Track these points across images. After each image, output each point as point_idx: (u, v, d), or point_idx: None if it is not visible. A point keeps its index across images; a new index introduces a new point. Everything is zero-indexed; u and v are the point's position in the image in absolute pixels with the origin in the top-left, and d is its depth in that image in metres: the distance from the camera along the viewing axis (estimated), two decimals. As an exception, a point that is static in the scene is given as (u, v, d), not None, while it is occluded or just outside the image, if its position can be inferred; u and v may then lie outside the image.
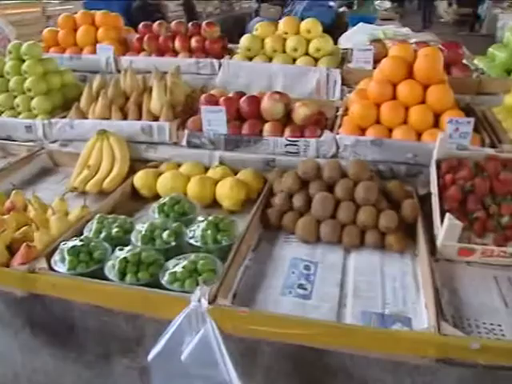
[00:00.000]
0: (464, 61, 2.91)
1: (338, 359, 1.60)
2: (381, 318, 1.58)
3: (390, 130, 2.34)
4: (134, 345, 1.87)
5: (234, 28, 8.76)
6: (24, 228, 1.93)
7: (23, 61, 2.96)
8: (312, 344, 1.52)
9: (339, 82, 2.86)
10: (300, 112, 2.43)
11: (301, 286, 1.74)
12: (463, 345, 1.38)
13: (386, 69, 2.44)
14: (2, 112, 2.93)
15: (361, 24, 5.38)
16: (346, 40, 4.60)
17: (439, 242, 1.77)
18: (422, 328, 1.48)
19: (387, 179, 2.20)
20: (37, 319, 1.99)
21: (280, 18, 6.25)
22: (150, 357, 1.58)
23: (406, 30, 5.28)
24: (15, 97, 2.93)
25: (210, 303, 1.52)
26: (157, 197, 2.26)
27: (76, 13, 3.62)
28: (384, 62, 2.48)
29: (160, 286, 1.65)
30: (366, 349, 1.48)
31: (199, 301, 1.52)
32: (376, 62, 2.86)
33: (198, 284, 1.60)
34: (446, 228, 1.74)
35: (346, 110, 2.56)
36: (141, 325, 1.79)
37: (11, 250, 1.84)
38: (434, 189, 1.94)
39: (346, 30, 5.65)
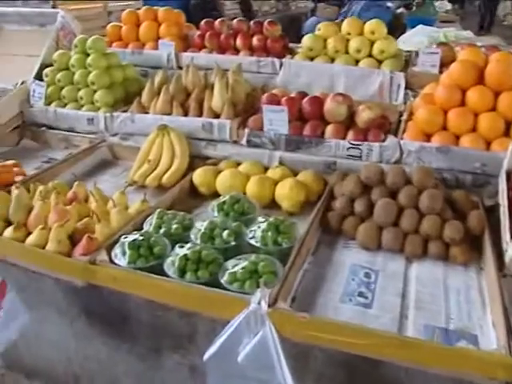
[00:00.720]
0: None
1: (394, 372, 1.55)
2: (445, 334, 1.52)
3: (457, 138, 2.25)
4: (186, 341, 1.87)
5: (290, 27, 8.71)
6: (85, 219, 1.95)
7: (88, 55, 3.00)
8: (372, 355, 1.46)
9: (403, 85, 2.77)
10: (363, 115, 2.38)
11: (361, 294, 1.70)
12: (537, 369, 1.31)
13: (455, 73, 2.36)
14: (66, 104, 2.98)
15: (420, 26, 5.24)
16: (404, 42, 4.50)
17: (508, 257, 1.68)
18: (492, 348, 1.42)
19: (451, 188, 2.12)
20: (93, 309, 2.02)
21: (336, 18, 6.23)
22: (206, 356, 1.57)
23: (466, 33, 5.11)
24: (79, 89, 2.97)
25: (269, 306, 1.48)
26: (215, 194, 2.26)
27: (139, 9, 3.66)
28: (453, 66, 2.40)
29: (218, 286, 1.63)
30: (429, 364, 1.41)
31: (259, 303, 1.49)
32: (442, 65, 2.78)
33: (258, 286, 1.58)
34: (517, 243, 1.65)
35: (411, 114, 2.48)
36: (194, 322, 1.78)
37: (72, 239, 1.86)
38: (503, 201, 1.85)
39: (404, 32, 5.55)
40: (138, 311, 1.90)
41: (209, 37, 3.32)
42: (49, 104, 2.99)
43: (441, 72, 2.69)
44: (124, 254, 1.75)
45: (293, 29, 8.53)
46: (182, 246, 1.75)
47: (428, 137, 2.30)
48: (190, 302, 1.66)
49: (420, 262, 1.88)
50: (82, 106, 2.94)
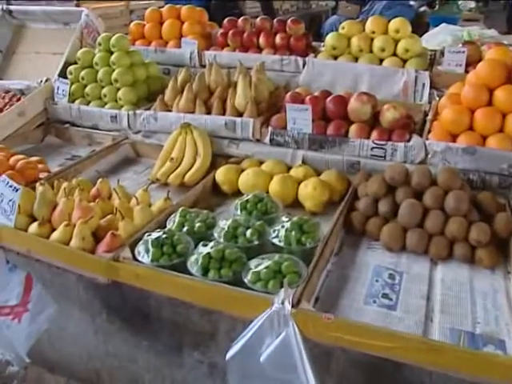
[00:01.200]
0: None
1: (417, 375, 1.53)
2: (471, 338, 1.48)
3: (484, 138, 2.19)
4: (207, 339, 1.86)
5: (311, 26, 8.66)
6: (109, 216, 1.95)
7: (111, 53, 3.00)
8: (397, 358, 1.43)
9: (428, 84, 2.70)
10: (388, 115, 2.33)
11: (385, 296, 1.66)
12: None
13: (482, 72, 2.30)
14: (90, 101, 2.99)
15: (443, 24, 5.13)
16: (427, 41, 4.42)
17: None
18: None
19: (478, 189, 2.07)
20: (115, 305, 2.03)
21: (358, 17, 6.15)
22: (229, 355, 1.55)
23: (491, 32, 4.99)
24: (103, 87, 2.98)
25: (293, 306, 1.46)
26: (238, 193, 2.25)
27: (162, 7, 3.66)
28: (480, 65, 2.34)
29: (241, 285, 1.61)
30: (455, 369, 1.37)
31: (283, 303, 1.47)
32: (467, 65, 2.73)
33: (281, 286, 1.55)
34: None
35: (436, 114, 2.43)
36: (215, 320, 1.77)
37: (96, 236, 1.86)
38: (531, 203, 1.83)
39: (426, 31, 5.47)
40: (160, 309, 1.89)
41: (232, 35, 3.30)
42: (73, 101, 3.01)
43: (466, 71, 2.64)
44: (147, 251, 1.74)
45: (313, 27, 8.49)
46: (206, 245, 1.74)
47: (454, 137, 2.25)
48: (212, 300, 1.64)
49: (445, 264, 1.83)
50: (106, 103, 2.95)
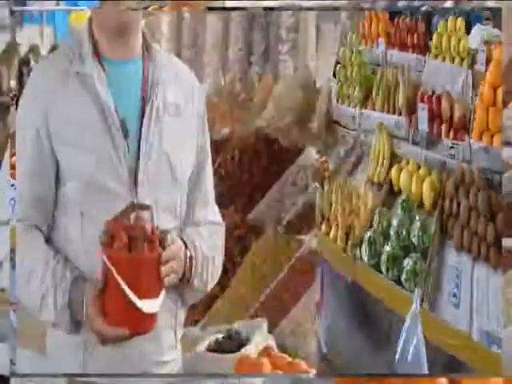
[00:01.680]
0: None
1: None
2: (486, 337, 1.33)
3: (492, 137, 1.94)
4: (386, 339, 1.65)
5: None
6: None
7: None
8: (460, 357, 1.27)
9: (471, 83, 2.31)
10: (457, 114, 2.15)
11: (454, 295, 1.48)
12: None
13: (493, 72, 2.01)
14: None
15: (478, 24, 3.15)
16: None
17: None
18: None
19: (489, 188, 1.82)
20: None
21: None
22: (397, 357, 1.39)
23: (495, 31, 2.93)
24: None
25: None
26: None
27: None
28: (491, 65, 2.05)
29: (398, 283, 1.55)
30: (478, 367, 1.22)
31: (416, 302, 1.34)
32: (486, 64, 2.26)
33: (416, 285, 1.44)
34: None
35: (475, 113, 2.09)
36: (390, 319, 1.61)
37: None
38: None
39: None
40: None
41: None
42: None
43: (486, 70, 2.19)
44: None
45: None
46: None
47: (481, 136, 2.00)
48: (392, 298, 1.55)
49: (476, 263, 1.64)
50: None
